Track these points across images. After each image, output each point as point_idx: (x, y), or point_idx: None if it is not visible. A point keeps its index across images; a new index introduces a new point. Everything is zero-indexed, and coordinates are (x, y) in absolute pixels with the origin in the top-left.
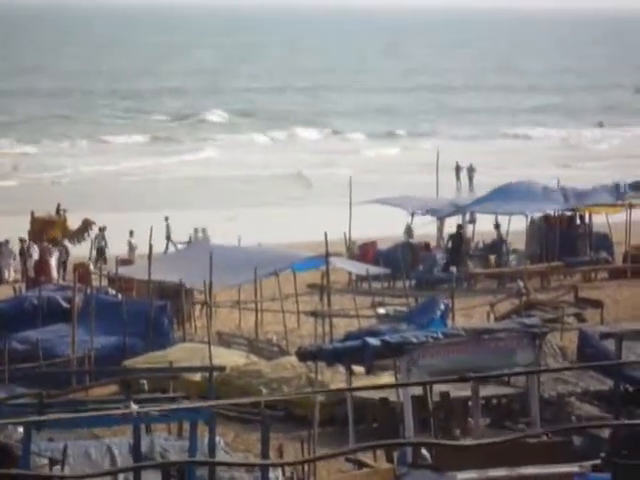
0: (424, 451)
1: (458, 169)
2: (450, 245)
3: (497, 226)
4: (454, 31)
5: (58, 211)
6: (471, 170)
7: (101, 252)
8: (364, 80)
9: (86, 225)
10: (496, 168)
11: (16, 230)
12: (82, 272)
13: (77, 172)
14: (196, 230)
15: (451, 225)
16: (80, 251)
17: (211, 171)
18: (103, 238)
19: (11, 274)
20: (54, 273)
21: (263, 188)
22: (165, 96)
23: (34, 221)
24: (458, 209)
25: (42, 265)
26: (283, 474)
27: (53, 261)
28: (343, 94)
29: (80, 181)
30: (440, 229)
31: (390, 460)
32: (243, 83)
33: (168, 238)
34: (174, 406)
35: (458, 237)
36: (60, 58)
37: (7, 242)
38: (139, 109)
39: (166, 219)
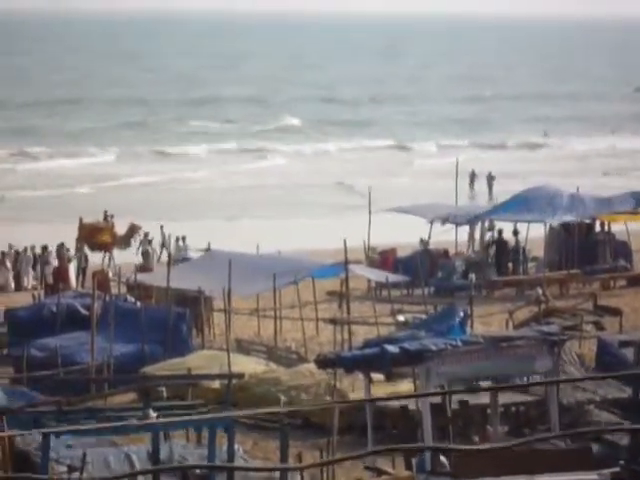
0: (443, 458)
1: (473, 177)
2: (494, 251)
3: (515, 233)
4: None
5: (106, 217)
6: (490, 178)
7: (146, 256)
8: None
9: (132, 230)
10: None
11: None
12: (101, 279)
13: (143, 180)
14: (177, 238)
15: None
16: (120, 256)
17: (268, 179)
18: (148, 243)
19: (30, 281)
20: (73, 280)
21: (305, 197)
22: (231, 104)
23: (82, 227)
24: (477, 217)
25: (61, 272)
26: None
27: (72, 268)
28: (404, 103)
29: (143, 189)
30: (471, 235)
31: (409, 467)
32: (302, 92)
33: (162, 246)
34: (195, 417)
35: (501, 243)
36: (127, 66)
37: (25, 250)
38: (209, 117)
39: (161, 228)
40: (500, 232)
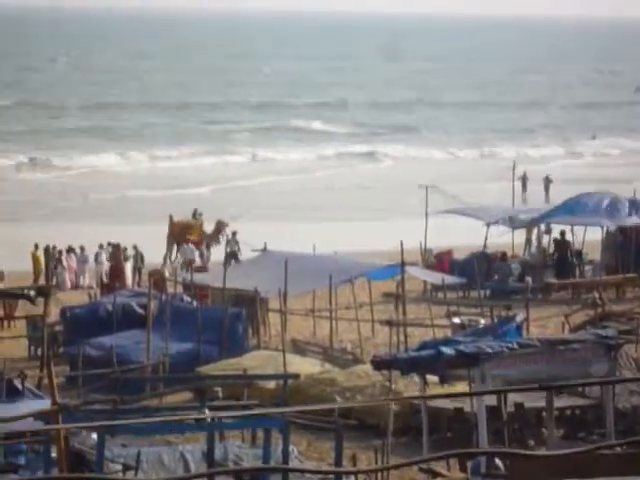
0: (498, 461)
1: (525, 179)
2: (556, 254)
3: (570, 237)
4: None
5: (195, 215)
6: (547, 181)
7: (234, 255)
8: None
9: (219, 227)
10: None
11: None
12: (157, 279)
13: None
14: (233, 234)
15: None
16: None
17: (369, 182)
18: (236, 242)
19: (86, 280)
20: (129, 279)
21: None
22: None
23: (173, 225)
24: (534, 219)
25: (116, 271)
26: None
27: (128, 267)
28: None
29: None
30: (529, 239)
31: (463, 470)
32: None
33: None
34: (248, 412)
35: (563, 244)
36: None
37: (82, 249)
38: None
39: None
40: (562, 234)
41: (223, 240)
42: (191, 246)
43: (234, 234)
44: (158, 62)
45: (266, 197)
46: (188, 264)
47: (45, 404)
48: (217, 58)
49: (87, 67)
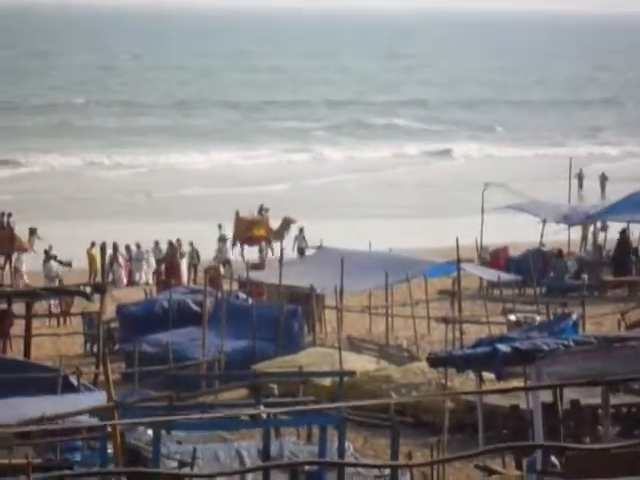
0: (554, 458)
1: (581, 177)
2: (616, 252)
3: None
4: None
5: (261, 211)
6: (603, 178)
7: (301, 252)
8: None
9: (286, 223)
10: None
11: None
12: (213, 275)
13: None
14: (300, 230)
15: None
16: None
17: (437, 179)
18: (303, 238)
19: (142, 277)
20: (184, 276)
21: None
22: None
23: (239, 221)
24: (590, 216)
25: (172, 268)
26: (411, 479)
27: (184, 264)
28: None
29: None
30: (585, 236)
31: (519, 467)
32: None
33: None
34: (304, 408)
35: (624, 243)
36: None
37: (138, 246)
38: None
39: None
40: (624, 231)
41: (289, 236)
42: (227, 245)
43: (301, 230)
44: (223, 60)
45: (334, 195)
46: (224, 264)
47: (100, 398)
48: (285, 57)
49: (158, 65)
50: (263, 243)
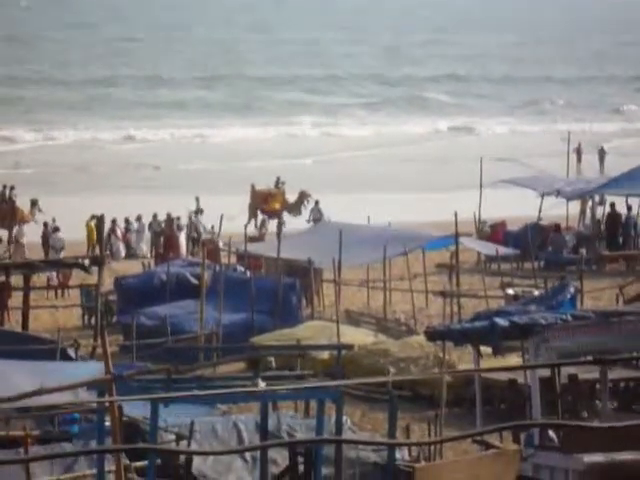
0: (551, 433)
1: (579, 151)
2: (606, 226)
3: (629, 208)
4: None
5: (277, 184)
6: (602, 152)
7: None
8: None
9: (302, 197)
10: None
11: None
12: (211, 249)
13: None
14: (316, 203)
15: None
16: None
17: (453, 155)
18: (319, 211)
19: (142, 249)
20: (183, 249)
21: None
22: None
23: (255, 194)
24: (588, 191)
25: (171, 241)
26: (409, 454)
27: (182, 237)
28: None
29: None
30: (583, 210)
31: (517, 441)
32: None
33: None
34: (303, 385)
35: (614, 216)
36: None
37: (139, 218)
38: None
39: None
40: (612, 205)
41: (305, 210)
42: (199, 218)
43: (317, 203)
44: (254, 35)
45: (347, 170)
46: (194, 238)
47: (98, 367)
48: (312, 30)
49: (184, 38)
50: (263, 217)
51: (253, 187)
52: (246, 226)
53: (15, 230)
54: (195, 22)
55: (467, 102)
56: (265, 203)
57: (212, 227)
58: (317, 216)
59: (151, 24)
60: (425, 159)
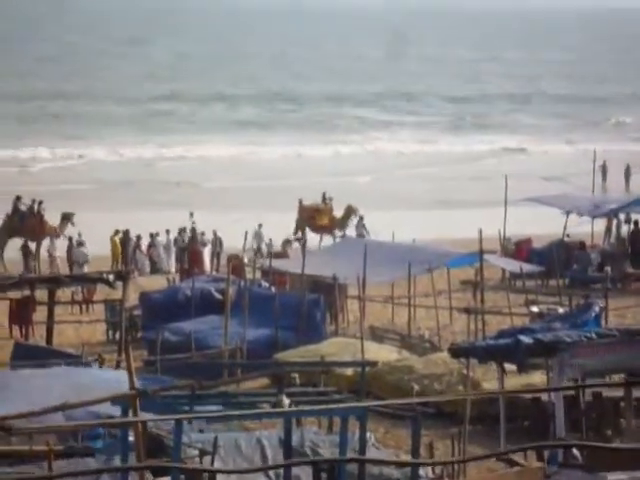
0: (575, 451)
1: (605, 169)
2: (632, 244)
3: None
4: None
5: (324, 200)
6: (628, 170)
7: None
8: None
9: (349, 212)
10: None
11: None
12: (236, 264)
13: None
14: (360, 218)
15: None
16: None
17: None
18: (363, 227)
19: (170, 264)
20: (207, 264)
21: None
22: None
23: (302, 209)
24: (614, 209)
25: (195, 256)
26: (433, 471)
27: (206, 252)
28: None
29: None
30: (608, 228)
31: (541, 459)
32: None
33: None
34: (328, 406)
35: (637, 234)
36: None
37: (168, 232)
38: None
39: (191, 215)
40: (636, 223)
41: (352, 225)
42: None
43: (361, 219)
44: (301, 49)
45: (386, 187)
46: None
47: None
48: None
49: (241, 55)
50: (299, 233)
51: (301, 202)
52: (303, 240)
53: (48, 244)
54: (242, 38)
55: (523, 120)
56: (312, 219)
57: (270, 240)
58: (360, 232)
59: (205, 39)
60: (466, 177)
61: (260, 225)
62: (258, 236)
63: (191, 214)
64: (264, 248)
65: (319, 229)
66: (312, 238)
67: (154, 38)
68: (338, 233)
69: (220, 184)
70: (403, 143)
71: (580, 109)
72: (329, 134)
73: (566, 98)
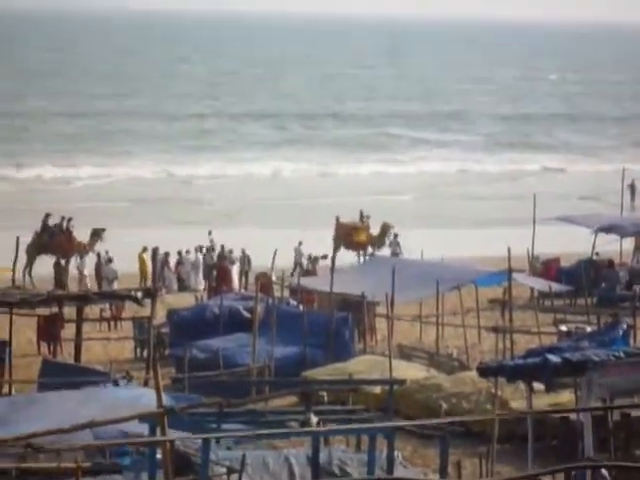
0: (604, 471)
1: (633, 188)
2: None
3: None
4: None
5: (362, 217)
6: (633, 186)
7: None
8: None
9: (385, 229)
10: None
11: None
12: (264, 282)
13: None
14: (395, 235)
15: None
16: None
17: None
18: (397, 244)
19: (199, 282)
20: (235, 282)
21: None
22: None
23: (339, 227)
24: None
25: (223, 274)
26: None
27: (234, 270)
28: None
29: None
30: (637, 246)
31: (568, 479)
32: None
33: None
34: (356, 426)
35: None
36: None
37: (198, 249)
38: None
39: (209, 233)
40: None
41: (388, 242)
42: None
43: (395, 236)
44: (345, 67)
45: (438, 205)
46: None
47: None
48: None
49: (275, 74)
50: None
51: (338, 220)
52: (333, 258)
53: (77, 261)
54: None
55: (567, 139)
56: (349, 236)
57: (310, 255)
58: (394, 249)
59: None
60: (503, 196)
61: (300, 242)
62: (298, 253)
63: (209, 232)
64: (304, 263)
65: (356, 246)
66: (341, 256)
67: (197, 57)
68: (372, 250)
69: (255, 202)
70: (446, 162)
71: (627, 128)
72: (372, 153)
73: (611, 118)
